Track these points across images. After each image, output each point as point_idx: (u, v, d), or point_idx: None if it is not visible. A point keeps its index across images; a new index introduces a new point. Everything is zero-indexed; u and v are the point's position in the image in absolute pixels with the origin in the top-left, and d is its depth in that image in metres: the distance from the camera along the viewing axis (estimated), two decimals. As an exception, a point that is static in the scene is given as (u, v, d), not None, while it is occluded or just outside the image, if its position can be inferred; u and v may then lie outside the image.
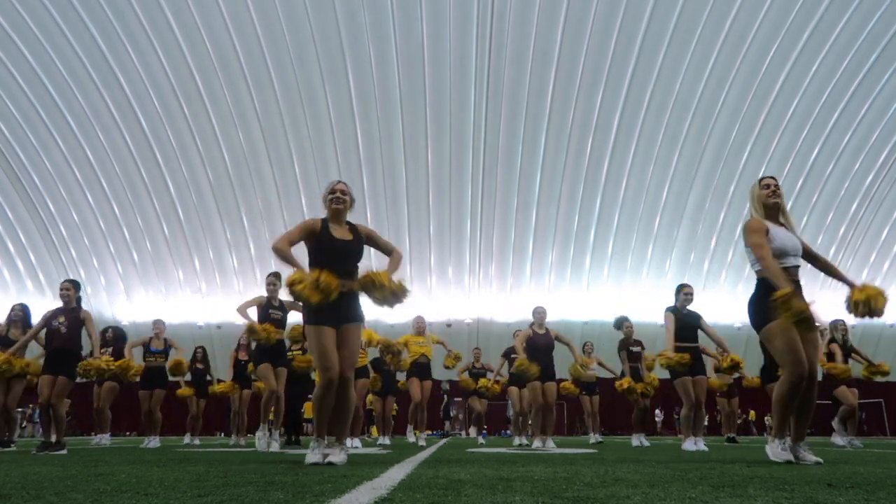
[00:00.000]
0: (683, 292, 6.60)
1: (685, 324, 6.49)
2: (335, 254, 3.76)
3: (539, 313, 7.29)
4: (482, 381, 10.02)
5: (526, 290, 22.41)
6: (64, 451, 5.81)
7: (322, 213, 3.95)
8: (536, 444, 7.04)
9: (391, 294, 3.61)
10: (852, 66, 18.52)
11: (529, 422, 8.50)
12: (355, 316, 3.77)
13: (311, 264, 3.71)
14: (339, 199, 3.85)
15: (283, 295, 6.16)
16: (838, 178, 21.06)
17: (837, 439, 8.00)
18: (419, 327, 8.77)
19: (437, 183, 20.71)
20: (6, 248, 22.34)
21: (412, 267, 22.29)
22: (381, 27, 17.59)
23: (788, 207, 3.95)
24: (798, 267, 3.73)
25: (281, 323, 6.24)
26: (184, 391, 9.65)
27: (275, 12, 17.29)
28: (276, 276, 6.32)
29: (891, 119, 19.88)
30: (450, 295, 22.49)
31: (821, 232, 21.90)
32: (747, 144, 20.11)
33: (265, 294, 6.35)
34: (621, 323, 8.65)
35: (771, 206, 3.80)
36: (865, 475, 2.68)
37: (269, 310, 6.26)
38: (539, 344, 7.09)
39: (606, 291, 22.33)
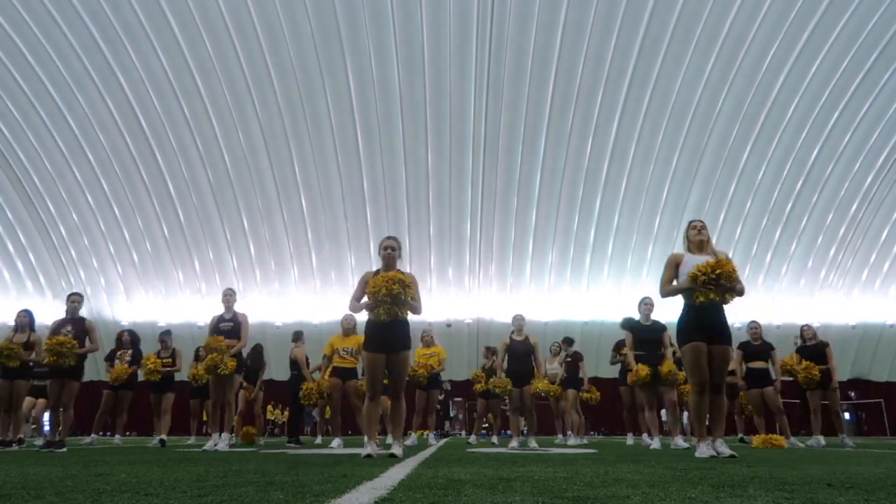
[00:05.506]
0: (644, 304, 6.99)
1: (642, 337, 6.95)
2: None
3: (518, 320, 7.52)
4: (496, 381, 9.70)
5: (526, 290, 22.41)
6: (64, 450, 6.19)
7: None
8: (512, 444, 7.23)
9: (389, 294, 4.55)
10: (852, 66, 18.49)
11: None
12: (401, 344, 4.69)
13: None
14: (389, 255, 4.86)
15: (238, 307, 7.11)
16: (838, 178, 21.01)
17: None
18: (426, 340, 8.94)
19: (437, 183, 20.68)
20: (6, 249, 22.32)
21: (412, 267, 22.25)
22: (380, 27, 17.58)
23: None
24: None
25: (231, 333, 6.81)
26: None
27: (275, 12, 17.28)
28: (231, 290, 7.12)
29: (891, 119, 19.85)
30: (450, 295, 22.47)
31: (821, 232, 21.87)
32: (747, 144, 20.07)
33: (222, 308, 7.00)
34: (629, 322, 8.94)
35: (696, 242, 4.83)
36: (865, 475, 2.68)
37: (220, 323, 6.90)
38: (518, 350, 7.40)
39: (606, 292, 22.31)
